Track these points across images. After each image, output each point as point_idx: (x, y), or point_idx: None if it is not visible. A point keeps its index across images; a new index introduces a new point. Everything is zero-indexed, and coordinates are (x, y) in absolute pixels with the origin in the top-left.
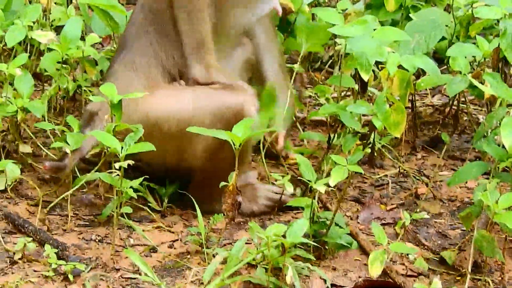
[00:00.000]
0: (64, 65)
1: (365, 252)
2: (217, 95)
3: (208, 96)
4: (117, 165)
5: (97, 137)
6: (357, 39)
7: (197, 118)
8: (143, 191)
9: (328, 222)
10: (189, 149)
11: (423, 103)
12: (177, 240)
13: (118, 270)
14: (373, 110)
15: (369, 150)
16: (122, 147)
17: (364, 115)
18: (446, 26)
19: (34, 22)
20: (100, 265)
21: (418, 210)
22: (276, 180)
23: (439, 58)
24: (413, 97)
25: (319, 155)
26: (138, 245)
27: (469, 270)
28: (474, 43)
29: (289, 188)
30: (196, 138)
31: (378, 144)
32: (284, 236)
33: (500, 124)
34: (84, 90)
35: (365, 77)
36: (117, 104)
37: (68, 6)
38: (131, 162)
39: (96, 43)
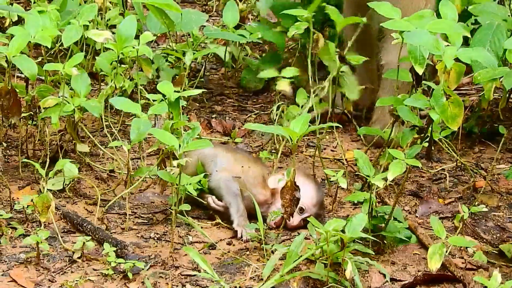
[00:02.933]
0: (120, 65)
1: (424, 246)
2: None
3: None
4: (175, 162)
5: (155, 135)
6: (414, 33)
7: None
8: (198, 188)
9: (386, 217)
10: None
11: (479, 96)
12: (236, 237)
13: (177, 267)
14: (430, 103)
15: (426, 144)
16: (180, 145)
17: (421, 109)
18: (504, 20)
19: (89, 22)
20: (159, 262)
21: (476, 203)
22: (331, 176)
23: None
24: None
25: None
26: (197, 242)
27: None
28: None
29: (343, 184)
30: None
31: (435, 137)
32: (343, 231)
33: None
34: (141, 88)
35: (420, 70)
36: (174, 102)
37: (124, 6)
38: (189, 159)
39: (151, 42)
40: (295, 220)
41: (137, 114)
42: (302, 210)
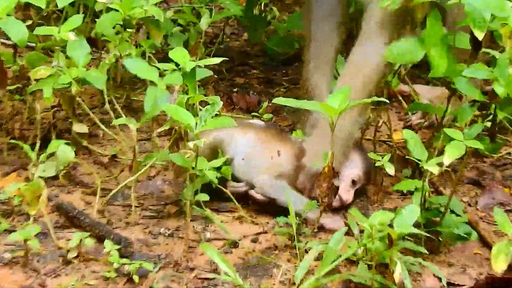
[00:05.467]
0: (125, 29)
1: (486, 244)
2: None
3: None
4: (191, 143)
5: (167, 112)
6: None
7: None
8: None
9: (442, 209)
10: None
11: None
12: (262, 232)
13: (192, 269)
14: (494, 74)
15: (489, 123)
16: (196, 123)
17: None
18: None
19: None
20: (170, 263)
21: None
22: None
23: None
24: None
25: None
26: (216, 239)
27: None
28: None
29: (390, 170)
30: None
31: (500, 115)
32: (391, 226)
33: None
34: (149, 56)
35: (480, 35)
36: (189, 73)
37: None
38: (206, 140)
39: (161, 2)
40: (350, 195)
41: (154, 81)
42: (354, 183)
